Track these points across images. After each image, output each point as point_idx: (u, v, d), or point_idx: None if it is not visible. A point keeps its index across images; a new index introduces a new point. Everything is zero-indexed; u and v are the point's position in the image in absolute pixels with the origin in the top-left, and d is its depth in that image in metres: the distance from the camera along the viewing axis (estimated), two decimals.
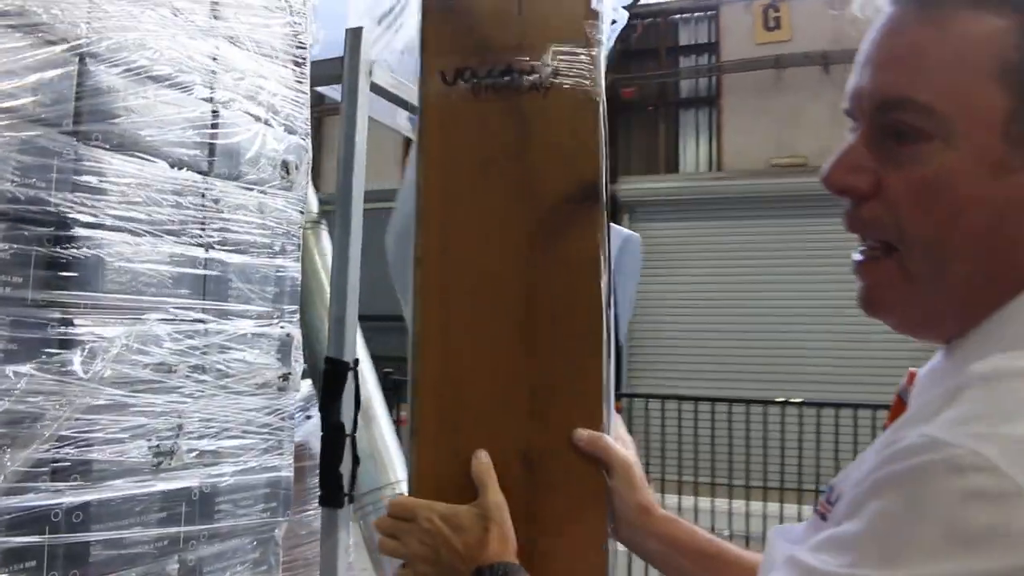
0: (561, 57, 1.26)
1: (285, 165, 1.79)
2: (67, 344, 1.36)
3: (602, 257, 1.22)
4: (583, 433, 1.20)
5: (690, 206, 11.41)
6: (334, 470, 2.24)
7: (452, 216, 1.26)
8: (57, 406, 1.30)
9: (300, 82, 1.92)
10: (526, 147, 1.26)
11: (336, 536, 2.27)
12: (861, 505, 0.74)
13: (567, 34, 1.27)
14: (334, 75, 2.31)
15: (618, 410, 1.41)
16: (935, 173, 0.81)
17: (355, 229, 2.27)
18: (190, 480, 1.62)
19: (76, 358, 1.37)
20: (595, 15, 1.28)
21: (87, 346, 1.37)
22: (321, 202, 2.94)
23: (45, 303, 1.35)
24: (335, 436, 2.26)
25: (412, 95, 2.48)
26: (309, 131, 1.97)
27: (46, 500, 1.32)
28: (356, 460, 2.30)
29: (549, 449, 1.20)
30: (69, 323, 1.38)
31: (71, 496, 1.36)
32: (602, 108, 1.26)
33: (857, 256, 0.90)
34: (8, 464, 1.24)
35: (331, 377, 2.29)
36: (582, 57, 1.26)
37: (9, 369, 1.25)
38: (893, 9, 0.86)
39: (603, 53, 1.28)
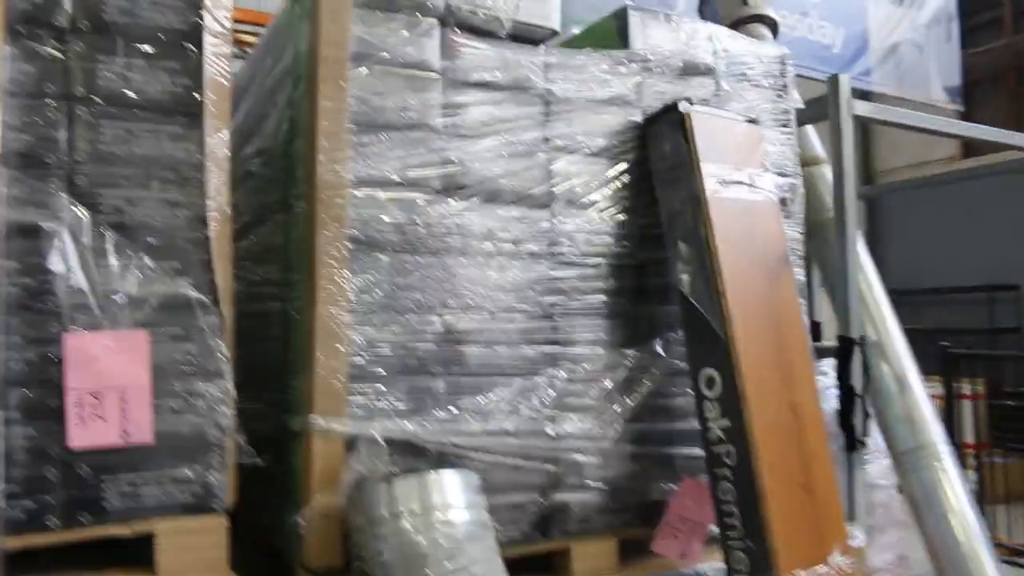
0: None
1: (783, 200, 2.53)
2: (653, 336, 2.30)
3: None
4: None
5: None
6: (848, 422, 2.91)
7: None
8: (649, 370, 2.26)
9: (789, 137, 2.64)
10: None
11: (855, 473, 2.93)
12: None
13: None
14: (816, 115, 3.01)
15: None
16: None
17: (850, 234, 2.92)
18: None
19: (657, 343, 2.30)
20: None
21: (666, 334, 2.30)
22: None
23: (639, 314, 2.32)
24: (848, 396, 2.94)
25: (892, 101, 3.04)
26: (799, 171, 2.68)
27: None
28: (866, 415, 2.93)
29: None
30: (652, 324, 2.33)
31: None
32: None
33: None
34: (628, 403, 2.21)
35: (842, 350, 2.96)
36: None
37: (628, 352, 2.24)
38: None
39: None
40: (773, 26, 3.81)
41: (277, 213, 2.17)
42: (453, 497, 1.82)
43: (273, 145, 2.24)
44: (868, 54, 5.97)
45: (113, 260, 1.78)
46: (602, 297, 2.27)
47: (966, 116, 13.31)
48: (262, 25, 3.81)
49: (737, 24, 3.72)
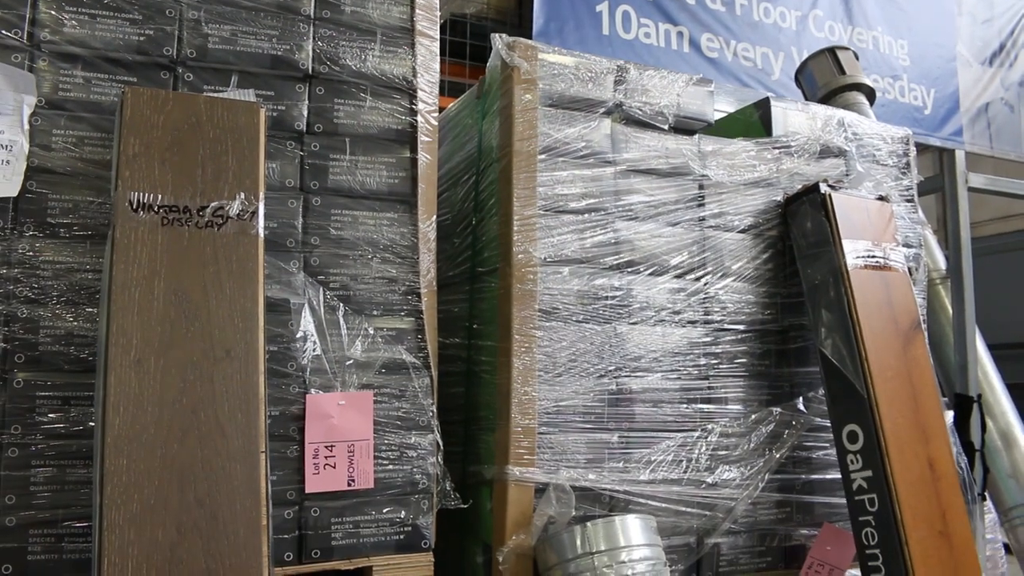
0: None
1: (909, 270, 2.74)
2: (795, 394, 2.53)
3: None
4: None
5: None
6: (969, 476, 3.08)
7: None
8: (792, 425, 2.47)
9: (912, 211, 2.86)
10: None
11: (976, 526, 3.09)
12: None
13: None
14: (932, 188, 3.22)
15: None
16: None
17: (968, 299, 3.11)
18: None
19: (799, 401, 2.52)
20: None
21: (806, 392, 2.52)
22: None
23: (782, 374, 2.55)
24: (967, 451, 3.11)
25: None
26: (921, 242, 2.89)
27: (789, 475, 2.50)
28: (985, 469, 3.10)
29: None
30: (793, 383, 2.55)
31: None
32: None
33: None
34: (774, 455, 2.43)
35: (960, 408, 3.14)
36: None
37: (773, 409, 2.46)
38: None
39: None
40: (870, 94, 3.94)
41: (462, 284, 2.45)
42: (636, 538, 2.06)
43: (452, 224, 2.53)
44: (959, 115, 6.11)
45: (343, 329, 2.08)
46: (751, 359, 2.50)
47: None
48: None
49: (835, 93, 3.86)
